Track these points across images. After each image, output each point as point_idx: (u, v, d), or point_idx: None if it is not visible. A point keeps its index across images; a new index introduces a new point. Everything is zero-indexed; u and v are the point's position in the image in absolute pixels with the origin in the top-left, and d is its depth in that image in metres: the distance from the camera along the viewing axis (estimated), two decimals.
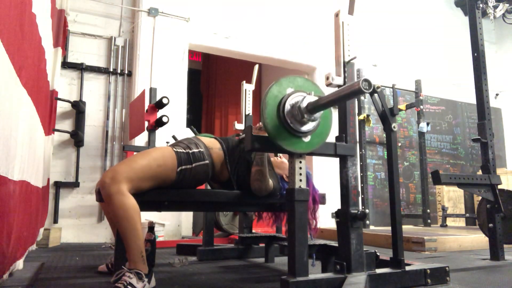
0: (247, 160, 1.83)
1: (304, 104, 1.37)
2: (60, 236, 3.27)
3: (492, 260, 2.35)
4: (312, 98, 1.38)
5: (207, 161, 1.72)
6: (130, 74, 3.82)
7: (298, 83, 1.46)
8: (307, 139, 1.43)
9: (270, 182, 1.80)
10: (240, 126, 2.99)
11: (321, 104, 1.35)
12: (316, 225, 1.86)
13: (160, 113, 2.95)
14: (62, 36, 3.14)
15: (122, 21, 3.88)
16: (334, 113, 1.58)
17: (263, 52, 4.44)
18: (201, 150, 1.72)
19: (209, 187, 2.46)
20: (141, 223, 1.49)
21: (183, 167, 1.64)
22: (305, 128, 1.41)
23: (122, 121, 3.76)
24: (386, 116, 1.76)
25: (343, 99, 1.33)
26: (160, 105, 2.85)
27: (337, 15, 1.68)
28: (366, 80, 1.20)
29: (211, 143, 1.81)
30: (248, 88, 2.98)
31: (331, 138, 1.65)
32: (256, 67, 3.03)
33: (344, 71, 1.64)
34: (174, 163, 1.62)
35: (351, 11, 1.73)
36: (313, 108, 1.36)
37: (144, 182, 1.53)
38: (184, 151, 1.68)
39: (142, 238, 1.49)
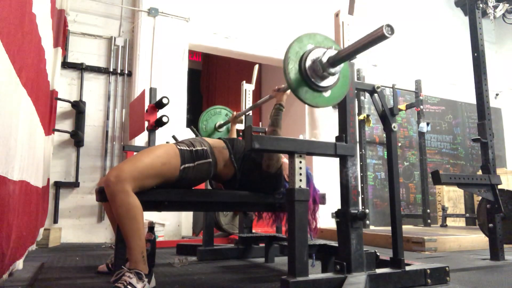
0: (252, 158, 1.84)
1: (325, 58, 1.39)
2: (60, 236, 3.27)
3: (492, 260, 2.35)
4: (333, 52, 1.40)
5: (209, 160, 1.72)
6: (130, 74, 3.82)
7: (318, 39, 1.49)
8: (327, 93, 1.46)
9: (282, 157, 1.81)
10: (240, 126, 2.99)
11: (343, 56, 1.37)
12: (316, 225, 1.86)
13: (160, 113, 2.95)
14: (62, 36, 3.14)
15: (122, 21, 3.88)
16: (335, 112, 1.57)
17: (263, 52, 4.44)
18: (205, 148, 1.72)
19: (209, 186, 2.47)
20: (143, 223, 1.49)
21: (186, 165, 1.64)
22: (325, 83, 1.44)
23: (122, 121, 3.76)
24: (386, 116, 1.76)
25: (367, 46, 1.32)
26: (160, 105, 2.85)
27: (337, 15, 1.68)
28: (388, 25, 1.21)
29: (216, 142, 1.82)
30: (248, 88, 2.98)
31: (331, 138, 1.65)
32: (256, 67, 3.02)
33: None
34: (177, 161, 1.62)
35: (351, 11, 1.73)
36: (335, 61, 1.38)
37: (148, 180, 1.54)
38: (187, 148, 1.68)
39: (143, 238, 1.49)
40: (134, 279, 1.39)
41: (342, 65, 1.45)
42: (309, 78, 1.40)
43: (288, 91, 1.90)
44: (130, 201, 1.44)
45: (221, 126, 2.85)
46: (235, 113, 2.67)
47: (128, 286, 1.36)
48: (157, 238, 3.04)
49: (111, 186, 1.44)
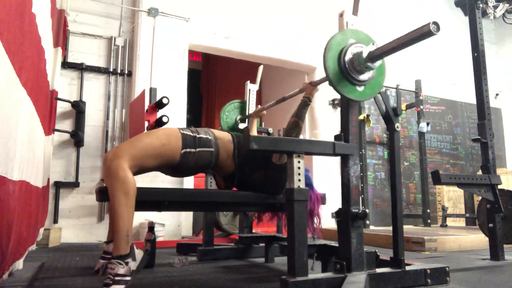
0: (256, 159, 1.82)
1: (365, 53, 1.43)
2: (60, 236, 3.27)
3: (492, 260, 2.35)
4: (373, 47, 1.45)
5: (212, 149, 1.71)
6: (130, 74, 3.82)
7: (360, 36, 1.54)
8: (360, 88, 1.51)
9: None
10: (243, 126, 2.98)
11: (385, 51, 1.39)
12: (320, 223, 1.86)
13: (160, 113, 2.95)
14: (62, 36, 3.14)
15: (122, 21, 3.88)
16: (335, 112, 1.58)
17: (263, 52, 4.44)
18: (209, 138, 1.72)
19: (211, 180, 2.47)
20: (134, 203, 1.46)
21: (187, 149, 1.63)
22: (361, 77, 1.48)
23: (122, 121, 3.76)
24: (390, 116, 1.76)
25: (410, 43, 1.34)
26: (160, 105, 2.85)
27: (341, 15, 1.68)
28: (435, 23, 1.22)
29: (222, 134, 1.81)
30: (252, 88, 2.97)
31: (332, 138, 1.64)
32: (261, 67, 3.01)
33: None
34: (178, 144, 1.61)
35: (355, 11, 1.73)
36: (374, 56, 1.42)
37: (147, 160, 1.53)
38: (191, 134, 1.68)
39: (132, 218, 1.46)
40: (117, 268, 1.38)
41: (380, 61, 1.49)
42: (346, 70, 1.45)
43: (319, 87, 1.96)
44: (125, 175, 1.43)
45: (242, 120, 2.85)
46: (259, 106, 2.68)
47: (116, 278, 1.35)
48: (157, 238, 3.04)
49: (108, 161, 1.45)
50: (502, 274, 1.95)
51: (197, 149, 1.66)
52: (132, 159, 1.46)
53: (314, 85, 1.90)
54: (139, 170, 1.50)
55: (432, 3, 5.91)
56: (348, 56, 1.46)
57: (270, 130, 2.84)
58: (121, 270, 1.38)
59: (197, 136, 1.69)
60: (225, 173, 1.84)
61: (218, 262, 2.38)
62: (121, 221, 1.42)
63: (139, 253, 1.52)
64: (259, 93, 6.61)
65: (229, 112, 2.85)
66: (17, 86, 1.46)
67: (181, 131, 1.66)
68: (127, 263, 1.41)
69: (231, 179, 1.84)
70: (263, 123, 3.30)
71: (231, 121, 2.85)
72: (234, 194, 1.81)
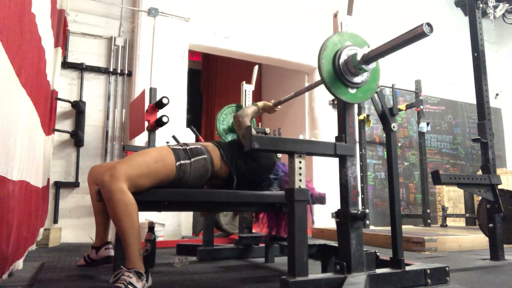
0: (241, 153, 1.87)
1: (360, 55, 1.44)
2: (60, 236, 3.27)
3: (492, 260, 2.35)
4: (367, 50, 1.46)
5: (205, 156, 1.75)
6: (130, 74, 3.82)
7: (357, 40, 1.56)
8: (353, 91, 1.52)
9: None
10: None
11: (379, 53, 1.40)
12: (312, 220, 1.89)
13: (160, 113, 2.95)
14: (62, 36, 3.14)
15: (122, 21, 3.88)
16: (335, 112, 1.58)
17: (263, 52, 4.44)
18: (198, 146, 1.78)
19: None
20: (139, 221, 1.49)
21: (182, 161, 1.66)
22: (355, 79, 1.50)
23: (122, 121, 3.76)
24: (386, 116, 1.76)
25: (405, 44, 1.34)
26: (160, 105, 2.85)
27: (335, 15, 1.68)
28: (428, 24, 1.22)
29: (206, 143, 1.90)
30: (248, 89, 2.98)
31: (331, 138, 1.65)
32: (256, 67, 3.02)
33: None
34: (171, 158, 1.64)
35: (349, 11, 1.73)
36: (369, 58, 1.43)
37: (143, 179, 1.53)
38: (181, 147, 1.73)
39: (139, 236, 1.48)
40: (134, 278, 1.39)
41: (374, 64, 1.50)
42: (340, 71, 1.46)
43: (278, 108, 2.16)
44: (126, 199, 1.44)
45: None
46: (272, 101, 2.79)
47: (129, 286, 1.35)
48: (157, 238, 3.04)
49: (107, 185, 1.44)
50: (502, 274, 1.95)
51: (192, 159, 1.70)
52: (128, 179, 1.47)
53: (276, 105, 2.19)
54: (135, 190, 1.50)
55: (432, 3, 5.91)
56: (343, 57, 1.48)
57: (267, 130, 2.85)
58: (135, 281, 1.38)
59: (187, 148, 1.73)
60: (221, 179, 1.87)
61: (218, 262, 2.38)
62: (131, 241, 1.44)
63: (150, 281, 1.54)
64: (258, 94, 6.61)
65: (226, 116, 2.86)
66: (16, 86, 1.46)
67: (170, 147, 1.71)
68: (142, 279, 1.42)
69: (229, 182, 1.85)
70: (260, 124, 3.31)
71: (228, 124, 2.86)
72: (234, 194, 1.81)
